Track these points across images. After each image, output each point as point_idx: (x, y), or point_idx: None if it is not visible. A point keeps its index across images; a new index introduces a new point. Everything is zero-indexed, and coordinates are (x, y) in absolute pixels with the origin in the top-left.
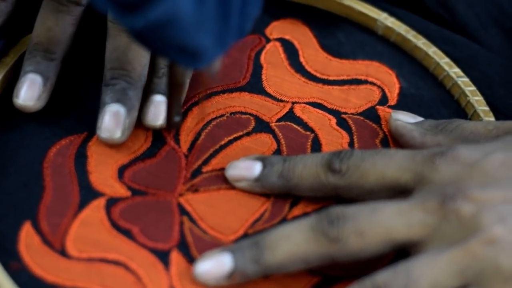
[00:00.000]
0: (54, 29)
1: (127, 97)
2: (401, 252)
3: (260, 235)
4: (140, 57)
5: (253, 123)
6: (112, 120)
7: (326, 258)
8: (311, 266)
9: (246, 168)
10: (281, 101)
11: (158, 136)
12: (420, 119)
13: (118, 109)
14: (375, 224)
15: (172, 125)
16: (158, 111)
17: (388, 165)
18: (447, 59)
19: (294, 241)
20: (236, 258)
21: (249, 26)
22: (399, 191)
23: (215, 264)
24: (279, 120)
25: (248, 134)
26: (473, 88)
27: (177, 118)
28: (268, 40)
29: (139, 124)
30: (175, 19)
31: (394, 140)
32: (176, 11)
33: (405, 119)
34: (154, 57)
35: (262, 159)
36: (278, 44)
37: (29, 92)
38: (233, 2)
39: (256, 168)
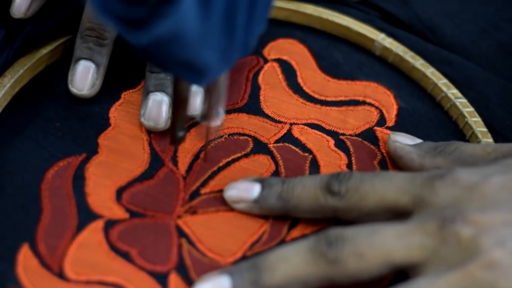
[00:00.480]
0: None
1: (171, 86)
2: (400, 274)
3: (259, 257)
4: None
5: (251, 145)
6: (156, 108)
7: (325, 279)
8: None
9: (244, 190)
10: (279, 122)
11: (156, 158)
12: (418, 141)
13: (162, 98)
14: (374, 246)
15: (177, 140)
16: (195, 100)
17: (388, 188)
18: (445, 80)
19: (293, 263)
20: (234, 281)
21: (254, 42)
22: (398, 214)
23: (213, 287)
24: (277, 141)
25: (246, 155)
26: (471, 109)
27: (181, 133)
28: (265, 61)
29: (138, 145)
30: (180, 35)
31: (392, 161)
32: (181, 28)
33: (403, 141)
34: None
35: (261, 181)
36: (276, 64)
37: (83, 80)
38: (238, 18)
39: (255, 190)
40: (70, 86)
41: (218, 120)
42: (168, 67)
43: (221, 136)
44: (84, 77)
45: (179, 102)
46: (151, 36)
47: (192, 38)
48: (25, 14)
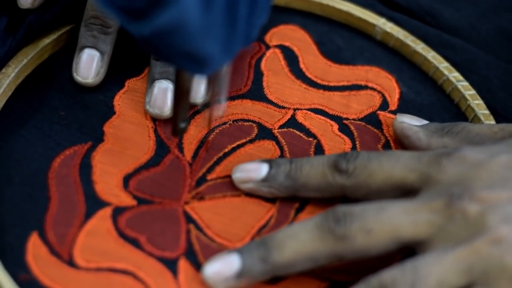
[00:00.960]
0: None
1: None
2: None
3: (268, 235)
4: None
5: (256, 130)
6: (161, 96)
7: (333, 256)
8: (319, 265)
9: (253, 170)
10: (283, 107)
11: (162, 145)
12: (425, 122)
13: (167, 85)
14: (382, 222)
15: (179, 131)
16: (198, 88)
17: (395, 165)
18: (446, 64)
19: (301, 239)
20: (244, 258)
21: (256, 33)
22: (405, 191)
23: (223, 265)
24: (281, 126)
25: (251, 141)
26: (473, 92)
27: (183, 124)
28: (267, 47)
29: (143, 132)
30: (182, 26)
31: (396, 145)
32: (183, 18)
33: (410, 122)
34: None
35: (269, 161)
36: (278, 51)
37: (88, 68)
38: (240, 9)
39: (263, 169)
40: (74, 74)
41: (220, 109)
42: (170, 58)
43: (226, 123)
44: (89, 65)
45: (180, 93)
46: (153, 27)
47: (194, 29)
48: (32, 4)
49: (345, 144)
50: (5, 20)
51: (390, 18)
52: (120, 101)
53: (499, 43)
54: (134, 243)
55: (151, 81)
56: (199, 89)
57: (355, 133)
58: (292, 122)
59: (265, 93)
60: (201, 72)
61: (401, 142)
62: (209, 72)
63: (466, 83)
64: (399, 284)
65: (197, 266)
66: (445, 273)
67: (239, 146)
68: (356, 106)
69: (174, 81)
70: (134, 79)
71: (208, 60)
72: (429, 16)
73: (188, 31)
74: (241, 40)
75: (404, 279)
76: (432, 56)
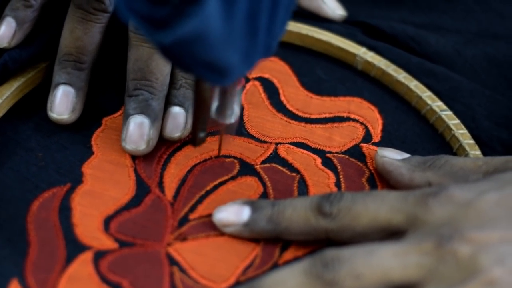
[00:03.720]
0: (83, 38)
1: (150, 108)
2: None
3: (254, 281)
4: (163, 67)
5: (237, 166)
6: (137, 131)
7: None
8: None
9: (234, 213)
10: (265, 142)
11: (142, 184)
12: (406, 155)
13: (142, 120)
14: (372, 266)
15: (198, 141)
16: (176, 123)
17: (380, 207)
18: (429, 93)
19: (289, 286)
20: None
21: (275, 44)
22: (391, 233)
23: None
24: (263, 162)
25: (233, 178)
26: (457, 121)
27: (202, 134)
28: (247, 80)
29: (123, 172)
30: (204, 36)
31: (381, 178)
32: (205, 28)
33: (391, 156)
34: (172, 68)
35: (250, 204)
36: (257, 83)
37: (63, 105)
38: (261, 20)
39: (244, 213)
40: (49, 112)
41: (233, 118)
42: (191, 67)
43: (207, 159)
44: (64, 102)
45: (200, 103)
46: (175, 36)
47: (216, 39)
48: (9, 43)
49: (329, 178)
50: None
51: (371, 47)
52: (98, 140)
53: (485, 70)
54: (117, 287)
55: (126, 117)
56: (178, 124)
57: (339, 167)
58: (274, 157)
59: (246, 127)
60: (220, 83)
61: (384, 177)
62: (229, 82)
63: (450, 112)
64: None
65: None
66: None
67: (221, 184)
68: (339, 138)
69: (149, 116)
70: (112, 116)
71: (228, 70)
72: (414, 42)
73: (210, 41)
74: (261, 50)
75: None
76: (414, 85)
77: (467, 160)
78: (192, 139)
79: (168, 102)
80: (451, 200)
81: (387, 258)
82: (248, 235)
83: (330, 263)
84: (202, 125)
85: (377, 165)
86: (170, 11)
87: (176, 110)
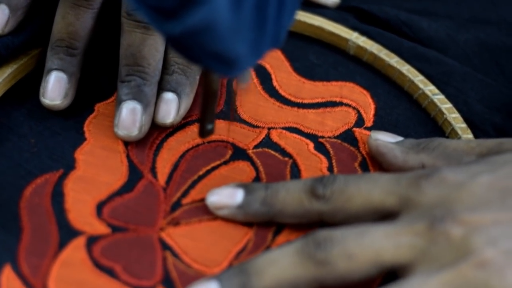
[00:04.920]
0: (75, 24)
1: (142, 94)
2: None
3: (247, 261)
4: (155, 52)
5: (230, 151)
6: (129, 117)
7: (314, 282)
8: None
9: (228, 196)
10: (257, 127)
11: (134, 170)
12: (400, 138)
13: (134, 106)
14: (364, 246)
15: (206, 133)
16: (168, 108)
17: (373, 189)
18: (421, 77)
19: (281, 265)
20: (223, 286)
21: (284, 34)
22: (384, 215)
23: None
24: (256, 146)
25: (225, 162)
26: (449, 105)
27: (210, 126)
28: None
29: (115, 158)
30: (213, 26)
31: (373, 162)
32: (213, 18)
33: (385, 139)
34: (165, 54)
35: (244, 186)
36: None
37: (56, 91)
38: (269, 10)
39: (238, 195)
40: (42, 98)
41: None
42: (199, 58)
43: (199, 144)
44: (57, 87)
45: (208, 95)
46: (184, 26)
47: (224, 29)
48: (2, 30)
49: (321, 163)
50: None
51: (364, 32)
52: (90, 126)
53: (477, 54)
54: (110, 272)
55: (118, 103)
56: (170, 110)
57: (331, 152)
58: (267, 142)
59: (238, 112)
60: (229, 73)
61: (377, 160)
62: (237, 73)
63: (442, 96)
64: None
65: None
66: None
67: (213, 169)
68: (331, 123)
69: (141, 102)
70: (104, 103)
71: (236, 61)
72: (406, 27)
73: (218, 31)
74: (270, 41)
75: None
76: (406, 69)
77: (460, 142)
78: (200, 130)
79: (161, 88)
80: (444, 182)
81: (379, 239)
82: (241, 218)
83: (323, 243)
84: (210, 116)
85: (371, 148)
86: (179, 1)
87: (169, 96)
